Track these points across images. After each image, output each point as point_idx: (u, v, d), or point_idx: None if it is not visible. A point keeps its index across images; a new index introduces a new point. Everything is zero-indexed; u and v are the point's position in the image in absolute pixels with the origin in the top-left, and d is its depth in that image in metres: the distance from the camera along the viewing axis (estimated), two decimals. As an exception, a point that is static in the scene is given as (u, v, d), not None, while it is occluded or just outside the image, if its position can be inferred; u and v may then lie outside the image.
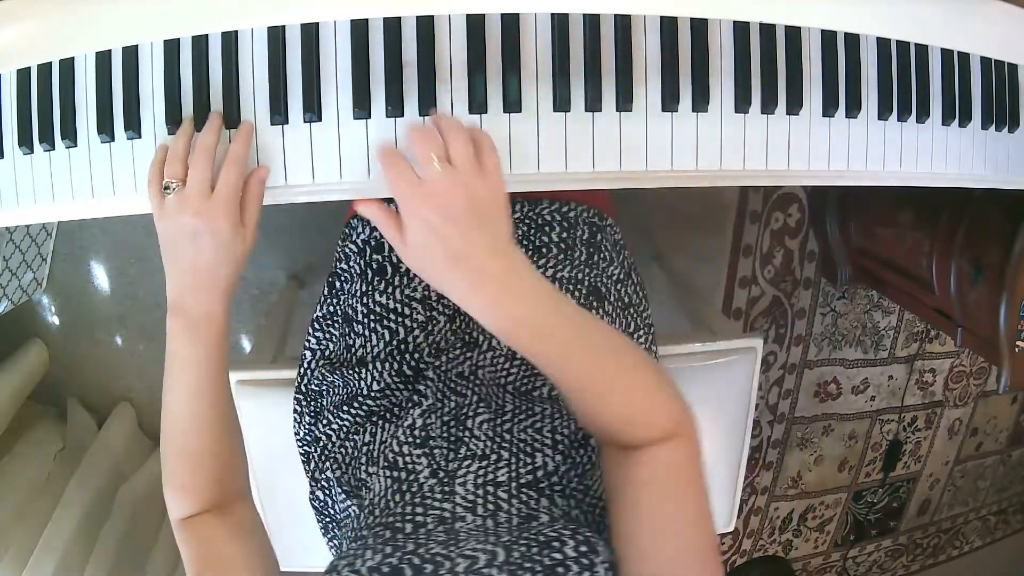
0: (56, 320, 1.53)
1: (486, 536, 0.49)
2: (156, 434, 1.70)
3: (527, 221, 0.76)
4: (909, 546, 2.37)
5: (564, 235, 0.76)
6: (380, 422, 0.67)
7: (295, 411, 0.78)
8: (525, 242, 0.75)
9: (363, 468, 0.64)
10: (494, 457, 0.60)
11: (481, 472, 0.58)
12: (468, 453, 0.60)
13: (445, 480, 0.58)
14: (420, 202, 0.49)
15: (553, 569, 0.45)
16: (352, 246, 0.78)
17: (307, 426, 0.75)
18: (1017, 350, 1.15)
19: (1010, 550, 2.54)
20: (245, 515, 0.63)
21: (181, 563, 1.45)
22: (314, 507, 0.72)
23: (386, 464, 0.61)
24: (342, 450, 0.68)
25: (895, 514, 2.28)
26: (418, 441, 0.62)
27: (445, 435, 0.63)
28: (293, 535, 0.94)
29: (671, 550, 0.48)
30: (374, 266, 0.74)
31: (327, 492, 0.69)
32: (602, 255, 0.77)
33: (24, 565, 1.14)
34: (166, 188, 0.53)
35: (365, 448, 0.65)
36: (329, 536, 0.71)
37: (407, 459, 0.61)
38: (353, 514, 0.64)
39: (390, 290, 0.72)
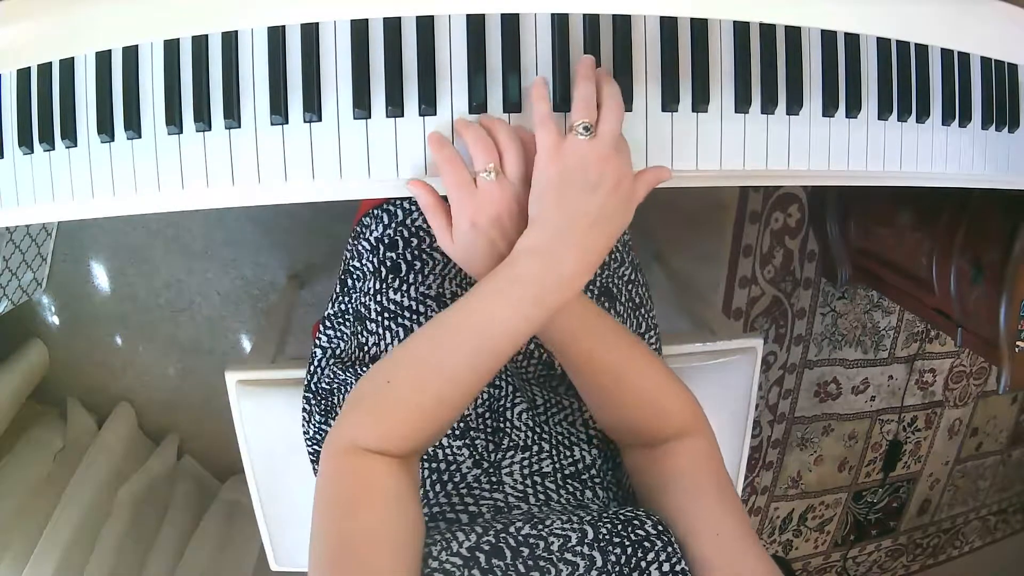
0: (56, 320, 1.53)
1: (568, 516, 0.50)
2: (156, 434, 1.69)
3: None
4: (909, 546, 2.37)
5: None
6: None
7: (304, 410, 0.78)
8: None
9: None
10: (536, 448, 0.61)
11: (526, 463, 0.60)
12: (511, 444, 0.61)
13: (491, 471, 0.59)
14: (473, 206, 0.52)
15: (640, 544, 0.47)
16: (365, 243, 0.78)
17: (317, 424, 0.75)
18: (1017, 350, 1.15)
19: (1010, 550, 2.54)
20: (413, 475, 0.54)
21: (180, 563, 1.45)
22: None
23: (423, 456, 0.62)
24: None
25: (895, 514, 2.28)
26: (457, 432, 0.63)
27: (483, 426, 0.63)
28: (293, 535, 0.94)
29: (729, 529, 0.49)
30: (388, 264, 0.74)
31: None
32: (613, 256, 0.78)
33: (24, 565, 1.14)
34: (585, 129, 0.51)
35: None
36: None
37: (447, 450, 0.62)
38: None
39: (404, 288, 0.72)
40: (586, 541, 0.47)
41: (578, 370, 0.59)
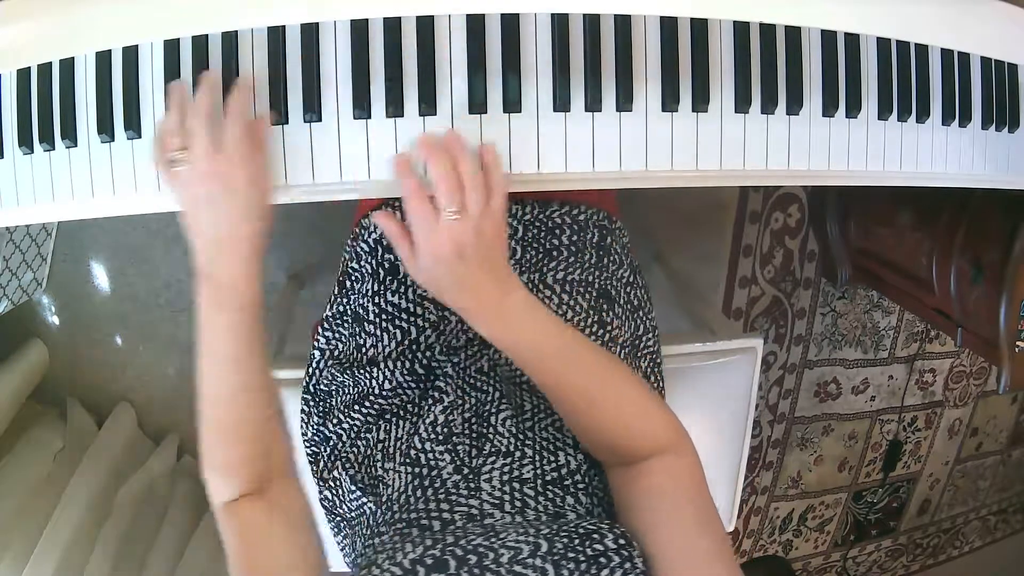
0: (56, 320, 1.53)
1: (526, 529, 0.50)
2: (156, 434, 1.70)
3: (537, 224, 0.76)
4: (909, 546, 2.37)
5: (574, 238, 0.76)
6: (394, 419, 0.67)
7: (303, 411, 0.77)
8: (536, 244, 0.75)
9: (379, 465, 0.64)
10: (518, 454, 0.61)
11: (506, 469, 0.59)
12: (492, 450, 0.61)
13: (470, 477, 0.59)
14: (435, 240, 0.53)
15: (595, 560, 0.46)
16: (364, 245, 0.78)
17: (315, 426, 0.75)
18: (1017, 350, 1.16)
19: (1010, 550, 2.54)
20: (289, 498, 0.60)
21: (181, 564, 1.45)
22: (323, 507, 0.72)
23: (407, 460, 0.62)
24: (354, 449, 0.68)
25: (895, 514, 2.28)
26: (440, 437, 0.63)
27: (468, 432, 0.63)
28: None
29: (700, 551, 0.49)
30: (386, 265, 0.74)
31: (335, 491, 0.69)
32: (611, 258, 0.77)
33: (24, 565, 1.14)
34: (173, 162, 0.52)
35: (380, 445, 0.65)
36: (341, 536, 0.71)
37: (429, 455, 0.61)
38: (369, 511, 0.64)
39: (402, 289, 0.72)
40: (539, 554, 0.47)
41: (549, 390, 0.59)
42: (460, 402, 0.66)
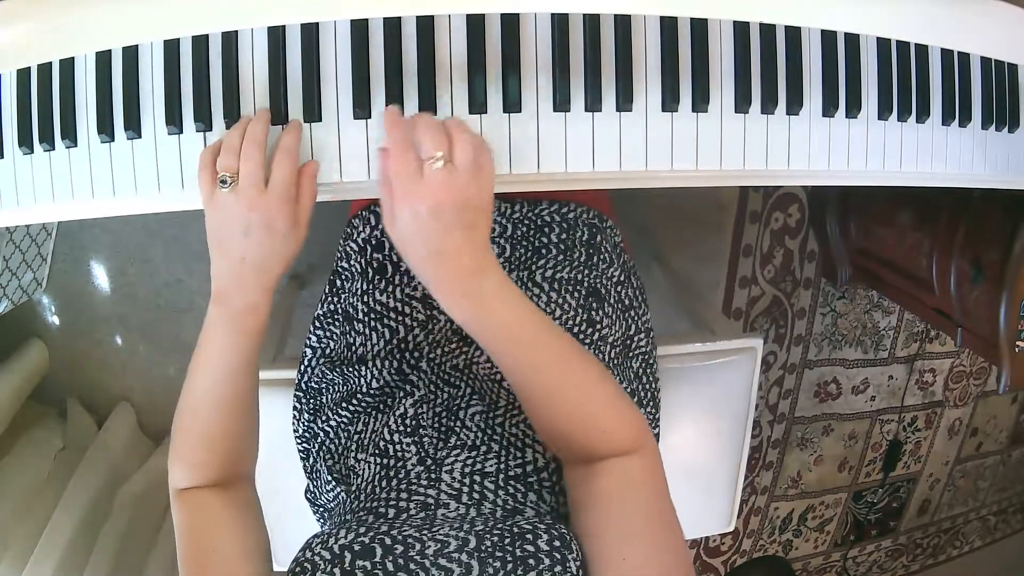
0: (56, 320, 1.53)
1: (461, 524, 0.50)
2: (156, 434, 1.69)
3: (527, 222, 0.76)
4: (909, 546, 2.37)
5: (564, 236, 0.76)
6: (374, 413, 0.67)
7: (294, 408, 0.78)
8: (524, 242, 0.75)
9: (352, 455, 0.64)
10: (484, 448, 0.60)
11: (469, 461, 0.59)
12: (458, 443, 0.61)
13: (432, 467, 0.59)
14: (415, 195, 0.50)
15: (524, 561, 0.46)
16: (353, 244, 0.78)
17: (306, 423, 0.76)
18: (1017, 350, 1.16)
19: (1010, 550, 2.54)
20: (244, 493, 0.64)
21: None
22: (308, 500, 0.73)
23: (376, 451, 0.62)
24: (336, 441, 0.68)
25: (895, 514, 2.28)
26: (408, 429, 0.63)
27: (436, 425, 0.63)
28: (294, 535, 0.94)
29: (640, 558, 0.47)
30: (375, 265, 0.75)
31: (316, 483, 0.70)
32: (602, 256, 0.77)
33: (24, 565, 1.14)
34: (223, 182, 0.52)
35: (357, 437, 0.66)
36: (327, 526, 0.72)
37: (396, 447, 0.62)
38: (341, 499, 0.65)
39: (390, 289, 0.73)
40: (466, 549, 0.46)
41: (511, 375, 0.57)
42: (432, 396, 0.66)
